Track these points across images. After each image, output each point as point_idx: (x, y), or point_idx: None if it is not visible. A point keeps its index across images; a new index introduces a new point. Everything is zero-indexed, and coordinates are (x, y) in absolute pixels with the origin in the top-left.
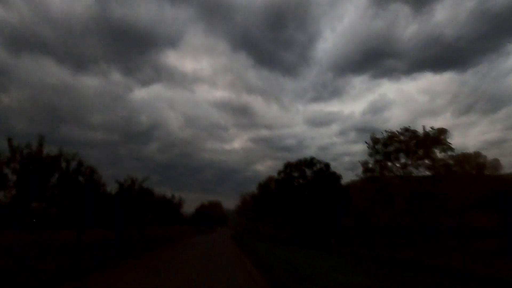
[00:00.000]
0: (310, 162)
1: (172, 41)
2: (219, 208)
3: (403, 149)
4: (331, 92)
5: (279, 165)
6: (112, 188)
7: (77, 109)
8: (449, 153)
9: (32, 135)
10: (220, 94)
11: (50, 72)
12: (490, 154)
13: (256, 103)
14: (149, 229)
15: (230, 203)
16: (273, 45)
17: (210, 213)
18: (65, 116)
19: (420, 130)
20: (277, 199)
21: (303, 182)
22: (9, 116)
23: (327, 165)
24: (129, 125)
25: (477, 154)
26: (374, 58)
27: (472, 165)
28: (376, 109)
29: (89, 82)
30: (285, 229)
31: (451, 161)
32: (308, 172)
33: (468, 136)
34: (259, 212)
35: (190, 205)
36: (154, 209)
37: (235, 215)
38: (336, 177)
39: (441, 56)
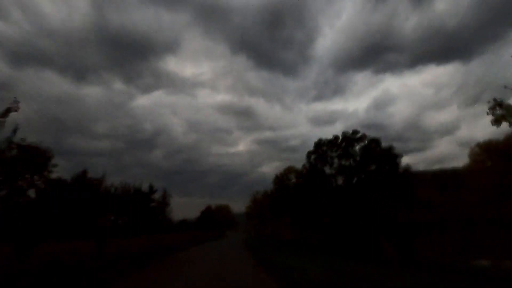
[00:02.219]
0: (352, 138)
1: (171, 47)
2: (227, 211)
3: None
4: (333, 90)
5: (285, 166)
6: None
7: (81, 119)
8: None
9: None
10: (222, 97)
11: (53, 83)
12: None
13: (258, 104)
14: (117, 241)
15: (237, 207)
16: (272, 45)
17: (217, 217)
18: (70, 127)
19: None
20: (303, 191)
21: (345, 163)
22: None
23: (375, 141)
24: (133, 133)
25: None
26: (375, 53)
27: None
28: (380, 105)
29: (91, 92)
30: (306, 231)
31: None
32: (352, 150)
33: (477, 128)
34: (276, 212)
35: (198, 210)
36: (116, 207)
37: (245, 218)
38: (392, 156)
39: (444, 47)
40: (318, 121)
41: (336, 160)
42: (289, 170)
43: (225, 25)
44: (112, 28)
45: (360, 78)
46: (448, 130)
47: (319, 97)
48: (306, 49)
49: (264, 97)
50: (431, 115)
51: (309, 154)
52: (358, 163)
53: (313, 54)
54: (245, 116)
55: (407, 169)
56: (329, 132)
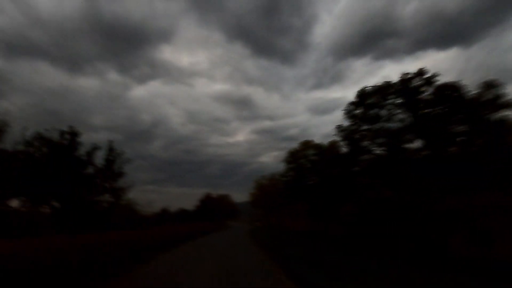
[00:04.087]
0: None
1: (166, 36)
2: (228, 200)
3: None
4: (332, 77)
5: (285, 155)
6: None
7: (77, 111)
8: None
9: None
10: (220, 87)
11: (46, 75)
12: None
13: (257, 94)
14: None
15: (238, 197)
16: (269, 32)
17: (218, 206)
18: (65, 119)
19: None
20: (334, 164)
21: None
22: (10, 122)
23: (451, 86)
24: (131, 124)
25: None
26: (374, 39)
27: None
28: None
29: (86, 83)
30: (329, 221)
31: None
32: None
33: None
34: (289, 198)
35: (198, 201)
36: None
37: (247, 208)
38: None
39: (444, 32)
40: (317, 109)
41: (398, 114)
42: (306, 145)
43: (220, 12)
44: (105, 17)
45: (359, 65)
46: None
47: (318, 85)
48: (304, 36)
49: (262, 86)
50: None
51: (350, 106)
52: (435, 116)
53: (311, 41)
54: (243, 106)
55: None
56: (328, 120)
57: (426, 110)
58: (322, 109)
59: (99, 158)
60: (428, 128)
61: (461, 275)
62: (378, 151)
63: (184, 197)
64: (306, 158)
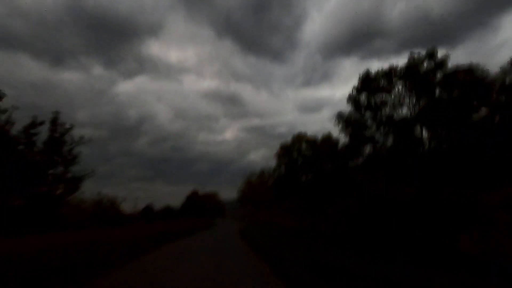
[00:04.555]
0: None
1: (153, 30)
2: (216, 198)
3: None
4: (321, 75)
5: (273, 153)
6: None
7: (60, 106)
8: None
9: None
10: (208, 83)
11: (27, 68)
12: None
13: (245, 91)
14: None
15: (226, 194)
16: (258, 29)
17: (205, 203)
18: (48, 114)
19: None
20: (334, 161)
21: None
22: None
23: (466, 71)
24: (117, 120)
25: None
26: (363, 38)
27: None
28: None
29: (70, 77)
30: (323, 217)
31: None
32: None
33: None
34: (281, 194)
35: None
36: None
37: (235, 206)
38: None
39: (430, 33)
40: (306, 108)
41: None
42: (300, 139)
43: (209, 7)
44: (89, 8)
45: (348, 64)
46: None
47: (306, 83)
48: (293, 34)
49: (251, 83)
50: None
51: (354, 95)
52: (450, 101)
53: (301, 39)
54: (232, 103)
55: None
56: (316, 119)
57: (439, 95)
58: (311, 107)
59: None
60: (442, 115)
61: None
62: (383, 140)
63: (172, 194)
64: (299, 153)
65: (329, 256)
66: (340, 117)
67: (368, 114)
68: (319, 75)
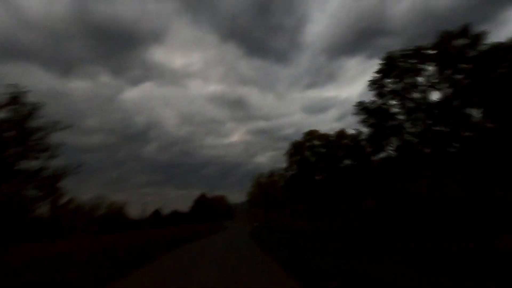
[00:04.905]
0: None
1: (158, 37)
2: (224, 201)
3: None
4: (326, 76)
5: (281, 155)
6: None
7: (70, 114)
8: None
9: None
10: (214, 88)
11: (37, 78)
12: None
13: (251, 94)
14: None
15: (235, 197)
16: (262, 32)
17: (214, 207)
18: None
19: None
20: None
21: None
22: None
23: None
24: (125, 127)
25: None
26: (368, 37)
27: None
28: None
29: (78, 86)
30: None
31: None
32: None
33: None
34: (294, 194)
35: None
36: None
37: (244, 208)
38: None
39: (436, 30)
40: (312, 109)
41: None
42: (312, 134)
43: (213, 13)
44: (95, 18)
45: (353, 63)
46: None
47: (312, 85)
48: (297, 36)
49: (257, 86)
50: None
51: (376, 80)
52: (496, 79)
53: (305, 40)
54: (238, 106)
55: None
56: (323, 120)
57: (478, 73)
58: (317, 108)
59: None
60: (491, 95)
61: None
62: (413, 129)
63: (182, 199)
64: (312, 150)
65: (366, 266)
66: (361, 106)
67: (393, 101)
68: (324, 76)
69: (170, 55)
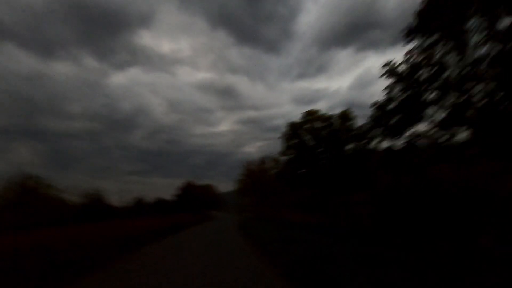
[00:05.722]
0: None
1: (145, 21)
2: (212, 189)
3: None
4: (317, 68)
5: (269, 146)
6: None
7: (52, 98)
8: None
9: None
10: (203, 75)
11: (15, 59)
12: None
13: (241, 83)
14: None
15: (223, 187)
16: (253, 20)
17: (201, 195)
18: (40, 107)
19: None
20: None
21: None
22: None
23: None
24: (110, 113)
25: None
26: (359, 30)
27: None
28: (363, 83)
29: (61, 69)
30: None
31: None
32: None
33: None
34: (292, 182)
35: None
36: None
37: (232, 198)
38: None
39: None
40: (302, 100)
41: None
42: (312, 114)
43: None
44: None
45: (344, 55)
46: None
47: (302, 75)
48: (288, 25)
49: (247, 76)
50: None
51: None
52: None
53: (296, 31)
54: (227, 95)
55: None
56: None
57: None
58: (307, 99)
59: None
60: None
61: None
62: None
63: (169, 187)
64: (312, 133)
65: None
66: (388, 67)
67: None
68: (314, 67)
69: (158, 40)
